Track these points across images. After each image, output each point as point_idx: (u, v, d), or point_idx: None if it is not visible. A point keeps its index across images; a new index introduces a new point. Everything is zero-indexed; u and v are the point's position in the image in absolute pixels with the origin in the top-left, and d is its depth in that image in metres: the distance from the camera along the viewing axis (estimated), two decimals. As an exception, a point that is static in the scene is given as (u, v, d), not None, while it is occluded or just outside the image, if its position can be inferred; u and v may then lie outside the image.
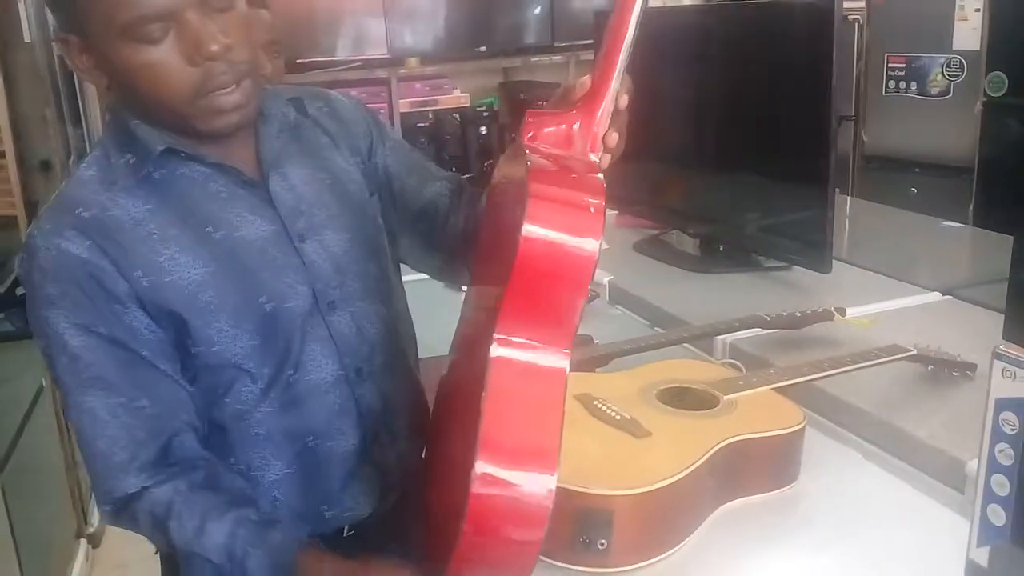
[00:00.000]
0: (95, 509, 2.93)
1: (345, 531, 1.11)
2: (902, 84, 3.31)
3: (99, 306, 0.95)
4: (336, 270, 1.05)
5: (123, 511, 0.97)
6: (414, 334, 1.22)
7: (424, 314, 1.26)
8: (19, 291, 2.43)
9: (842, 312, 1.59)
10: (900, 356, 1.37)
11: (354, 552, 0.95)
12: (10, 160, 2.45)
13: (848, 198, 2.94)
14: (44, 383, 2.54)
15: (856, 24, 3.40)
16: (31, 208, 2.66)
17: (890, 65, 3.34)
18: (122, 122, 0.99)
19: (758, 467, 1.12)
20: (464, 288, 1.28)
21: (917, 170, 3.32)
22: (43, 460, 2.50)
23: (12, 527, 1.97)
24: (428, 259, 1.22)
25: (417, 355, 1.22)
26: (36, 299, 0.96)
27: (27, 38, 2.85)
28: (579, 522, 0.98)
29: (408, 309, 1.21)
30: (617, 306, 2.01)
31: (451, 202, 1.19)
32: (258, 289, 1.00)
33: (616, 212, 2.54)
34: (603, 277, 2.06)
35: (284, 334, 1.01)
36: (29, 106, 2.83)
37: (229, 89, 0.94)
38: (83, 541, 2.74)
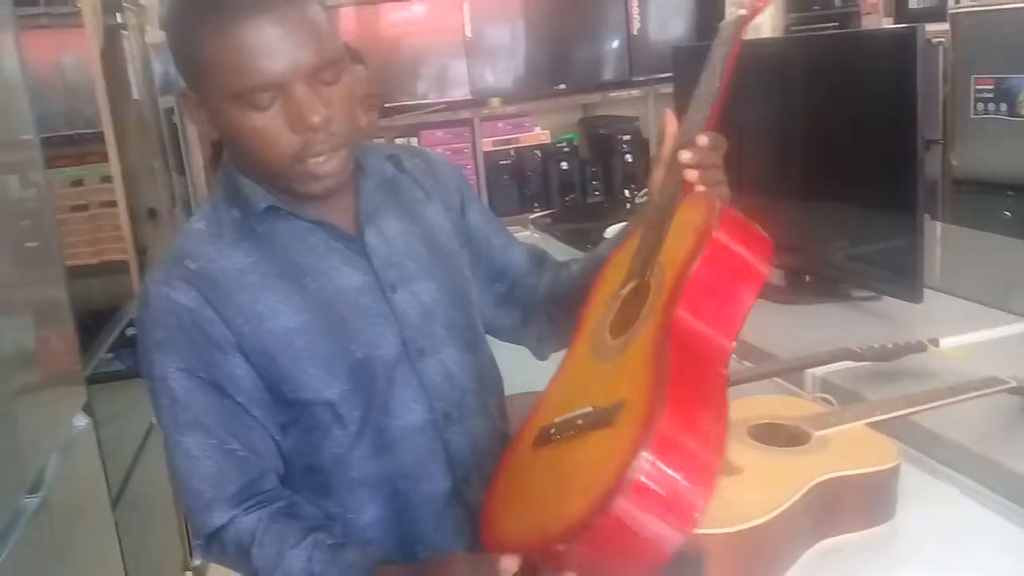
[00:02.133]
0: (198, 542, 3.04)
1: None
2: (991, 106, 3.23)
3: (201, 352, 1.03)
4: (425, 318, 1.11)
5: (213, 542, 1.05)
6: (500, 380, 1.26)
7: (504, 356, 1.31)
8: (130, 331, 2.57)
9: (935, 343, 1.56)
10: (999, 388, 1.35)
11: None
12: (122, 209, 2.58)
13: (939, 224, 2.88)
14: (153, 421, 2.66)
15: (941, 47, 3.34)
16: (140, 254, 2.80)
17: (977, 87, 3.27)
18: (231, 178, 1.08)
19: (853, 505, 1.12)
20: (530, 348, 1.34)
21: (1010, 193, 3.23)
22: (153, 495, 2.61)
23: (124, 560, 2.07)
24: (500, 319, 1.28)
25: (503, 400, 1.26)
26: (146, 343, 1.05)
27: (135, 95, 3.02)
28: (669, 561, 1.00)
29: (493, 356, 1.25)
30: (703, 340, 2.01)
31: (530, 266, 1.26)
32: (350, 337, 1.06)
33: (700, 245, 2.55)
34: (688, 311, 2.06)
35: (374, 380, 1.07)
36: (137, 158, 2.99)
37: (324, 158, 1.00)
38: (189, 574, 2.85)
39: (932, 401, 1.30)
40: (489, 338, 1.28)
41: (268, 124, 0.97)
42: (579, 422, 0.91)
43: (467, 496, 1.14)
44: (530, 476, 0.96)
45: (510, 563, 0.85)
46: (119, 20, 3.00)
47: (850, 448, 1.17)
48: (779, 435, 1.21)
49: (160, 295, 1.03)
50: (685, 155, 1.04)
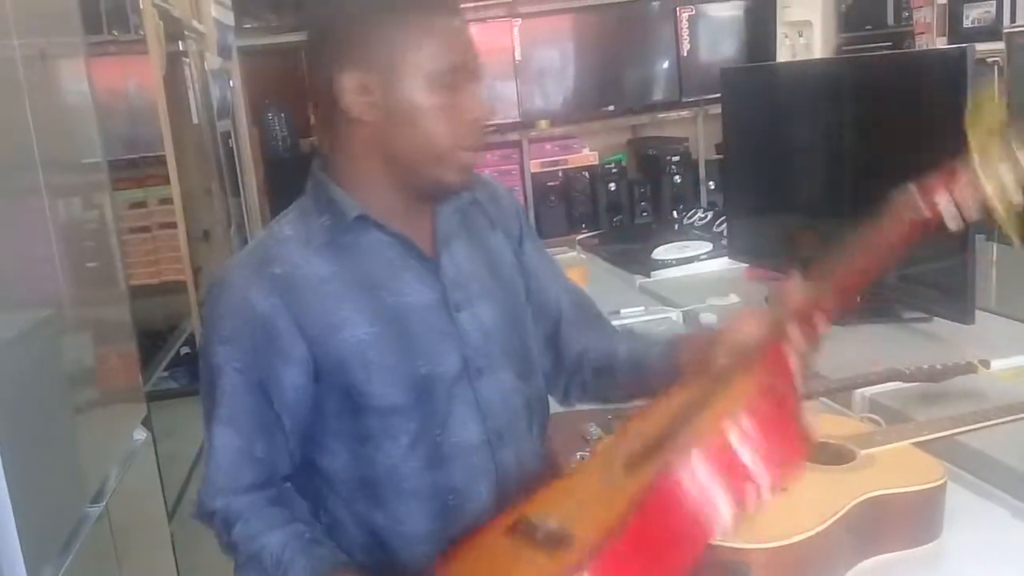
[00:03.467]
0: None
1: None
2: (1047, 124, 3.18)
3: (261, 358, 1.07)
4: (485, 339, 1.14)
5: (204, 515, 1.12)
6: (548, 409, 1.27)
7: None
8: (184, 351, 2.64)
9: (986, 365, 1.55)
10: (1049, 410, 1.33)
11: None
12: (180, 230, 2.66)
13: (994, 245, 2.83)
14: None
15: (996, 66, 3.30)
16: (197, 274, 2.88)
17: (1033, 106, 3.21)
18: (323, 186, 1.11)
19: (897, 523, 1.12)
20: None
21: (1068, 213, 3.16)
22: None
23: (178, 571, 2.12)
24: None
25: (547, 427, 1.27)
26: (212, 331, 1.10)
27: (195, 120, 3.12)
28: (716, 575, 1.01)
29: (544, 388, 1.27)
30: (751, 360, 2.00)
31: (576, 317, 1.29)
32: (416, 352, 1.09)
33: (747, 265, 2.55)
34: (736, 331, 2.06)
35: (434, 396, 1.10)
36: (195, 180, 3.08)
37: (473, 153, 1.09)
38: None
39: (980, 422, 1.29)
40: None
41: (448, 106, 1.06)
42: (538, 534, 0.94)
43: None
44: (489, 554, 1.01)
45: None
46: (181, 47, 3.10)
47: (896, 467, 1.16)
48: (825, 453, 1.21)
49: (238, 294, 1.07)
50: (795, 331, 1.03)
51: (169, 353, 2.40)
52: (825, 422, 1.38)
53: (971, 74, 1.68)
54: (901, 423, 1.36)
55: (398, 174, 1.09)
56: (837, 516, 1.05)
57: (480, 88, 1.09)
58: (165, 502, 2.08)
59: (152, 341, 2.32)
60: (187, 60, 3.16)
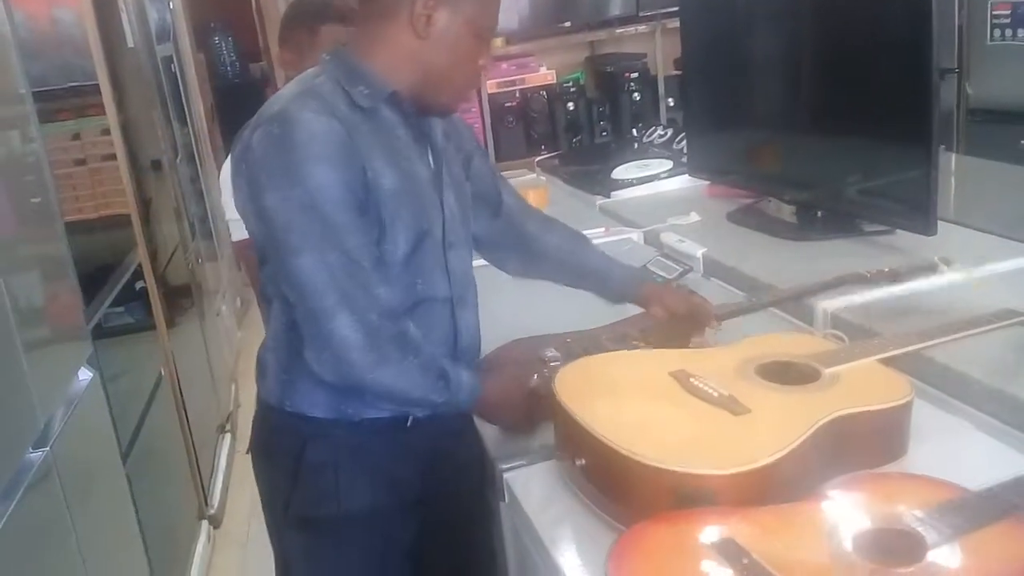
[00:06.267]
0: (215, 490, 3.07)
1: (409, 421, 1.32)
2: (1008, 32, 3.13)
3: (354, 172, 1.20)
4: (454, 219, 1.36)
5: (379, 342, 1.21)
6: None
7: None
8: (138, 285, 2.56)
9: (947, 262, 1.52)
10: (1013, 321, 1.32)
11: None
12: (121, 161, 2.55)
13: (953, 155, 2.81)
14: (163, 373, 2.66)
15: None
16: (144, 206, 2.78)
17: (994, 13, 3.17)
18: (351, 63, 1.27)
19: (865, 442, 1.10)
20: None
21: (1027, 122, 3.15)
22: (165, 447, 2.63)
23: (137, 512, 2.08)
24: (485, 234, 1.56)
25: None
26: (303, 153, 1.17)
27: (130, 43, 2.97)
28: (679, 502, 0.98)
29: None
30: (711, 278, 1.98)
31: (518, 205, 1.61)
32: (423, 211, 1.29)
33: (708, 182, 2.51)
34: (696, 250, 2.03)
35: (425, 251, 1.30)
36: (137, 109, 2.95)
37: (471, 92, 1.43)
38: (204, 522, 2.88)
39: (945, 335, 1.27)
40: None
41: (477, 54, 1.30)
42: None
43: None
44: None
45: None
46: (110, -34, 2.93)
47: (862, 385, 1.14)
48: (789, 373, 1.19)
49: (313, 119, 1.18)
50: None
51: (116, 288, 2.31)
52: (787, 341, 1.36)
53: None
54: (865, 338, 1.34)
55: (419, 86, 1.28)
56: (802, 438, 1.02)
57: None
58: (119, 441, 2.02)
59: (99, 276, 2.24)
60: (119, -19, 2.99)
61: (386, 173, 1.23)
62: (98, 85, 2.46)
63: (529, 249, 1.59)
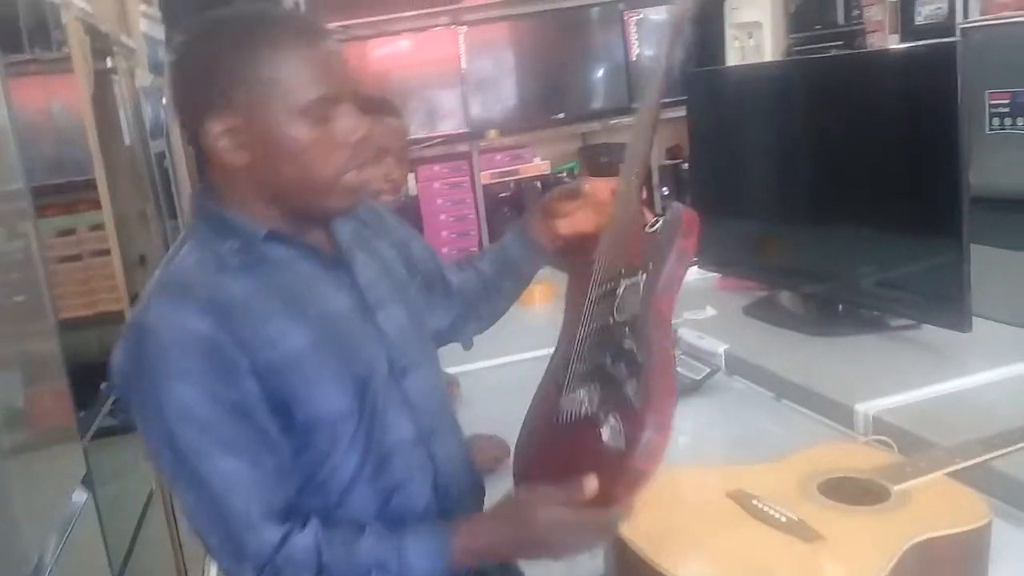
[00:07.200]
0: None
1: None
2: (1007, 120, 3.16)
3: (225, 378, 1.02)
4: (403, 338, 1.17)
5: (268, 567, 1.02)
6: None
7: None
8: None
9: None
10: (1077, 427, 1.25)
11: None
12: (115, 257, 2.48)
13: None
14: (154, 486, 2.54)
15: (951, 63, 3.28)
16: (134, 301, 2.69)
17: (992, 102, 3.20)
18: (214, 213, 1.09)
19: (947, 569, 1.01)
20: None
21: (1029, 208, 3.14)
22: (159, 563, 2.49)
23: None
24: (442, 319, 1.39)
25: None
26: (158, 376, 1.00)
27: (127, 140, 2.93)
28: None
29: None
30: (736, 377, 1.91)
31: (443, 265, 1.42)
32: (351, 357, 1.10)
33: (718, 274, 2.46)
34: (717, 347, 1.97)
35: (376, 397, 1.11)
36: (128, 204, 2.89)
37: (357, 172, 1.07)
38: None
39: (1014, 444, 1.20)
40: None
41: (323, 136, 1.04)
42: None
43: (444, 509, 1.17)
44: None
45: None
46: (109, 65, 2.92)
47: (936, 504, 1.06)
48: (854, 491, 1.11)
49: (174, 325, 1.01)
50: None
51: (110, 394, 2.21)
52: (841, 452, 1.28)
53: (962, 67, 1.62)
54: (925, 449, 1.26)
55: (286, 205, 1.09)
56: (889, 567, 0.94)
57: (356, 108, 1.07)
58: (110, 561, 1.89)
59: (91, 376, 2.14)
60: (116, 77, 2.97)
61: (290, 332, 1.05)
62: (94, 180, 2.40)
63: (479, 299, 1.41)
